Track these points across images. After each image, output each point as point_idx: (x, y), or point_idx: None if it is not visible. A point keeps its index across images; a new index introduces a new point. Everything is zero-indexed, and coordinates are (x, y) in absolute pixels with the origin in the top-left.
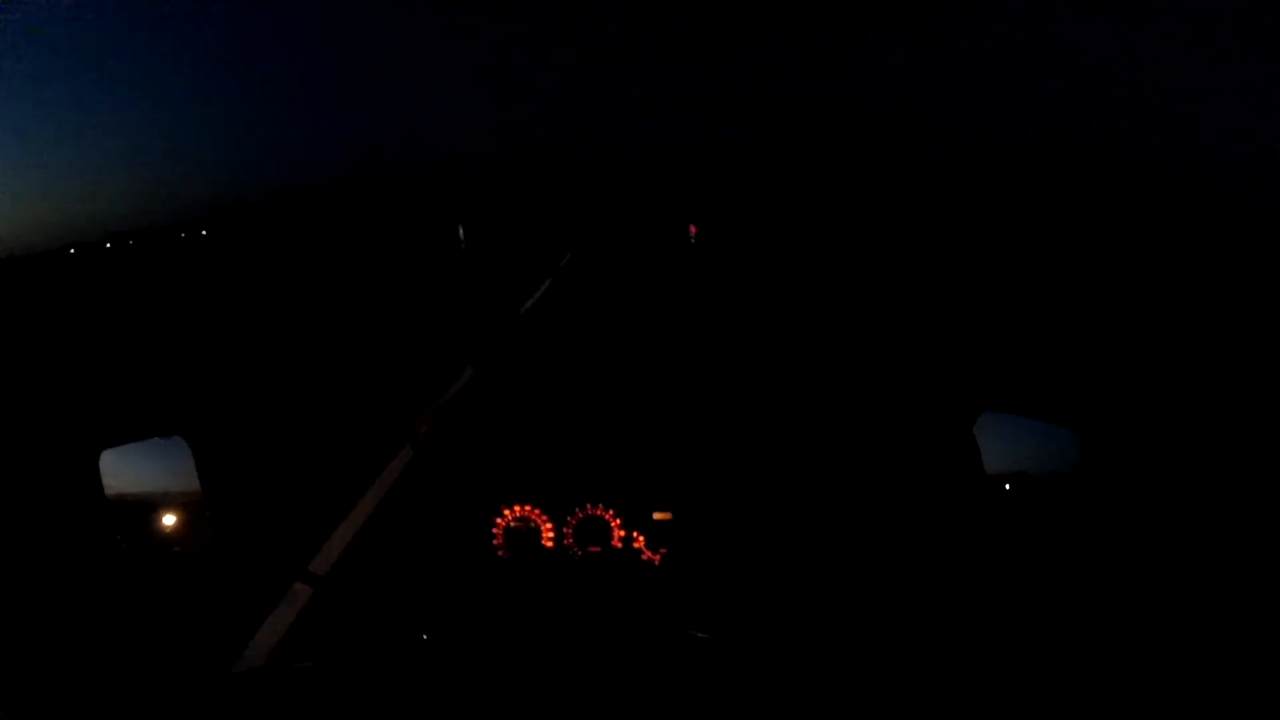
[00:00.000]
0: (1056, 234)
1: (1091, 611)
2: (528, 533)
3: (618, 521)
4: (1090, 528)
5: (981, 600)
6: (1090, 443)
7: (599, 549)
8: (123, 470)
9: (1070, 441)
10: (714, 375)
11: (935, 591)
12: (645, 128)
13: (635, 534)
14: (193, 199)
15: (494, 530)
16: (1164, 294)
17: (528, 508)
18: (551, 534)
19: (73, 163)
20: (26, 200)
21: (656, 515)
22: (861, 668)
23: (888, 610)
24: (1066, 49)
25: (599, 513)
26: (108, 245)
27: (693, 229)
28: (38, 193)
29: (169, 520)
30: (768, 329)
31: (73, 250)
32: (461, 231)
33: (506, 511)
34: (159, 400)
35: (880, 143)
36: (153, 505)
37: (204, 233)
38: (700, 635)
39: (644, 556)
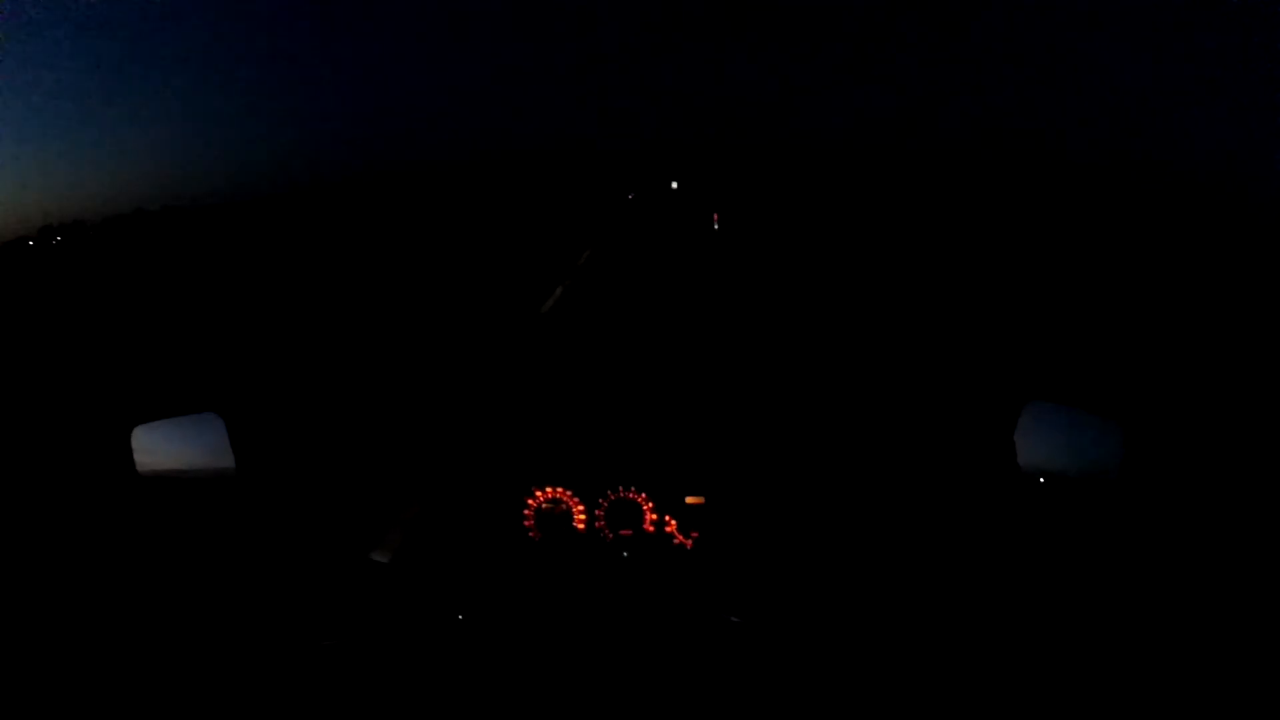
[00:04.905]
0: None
1: (1115, 621)
2: (559, 515)
3: (650, 505)
4: (1125, 534)
5: (1004, 595)
6: (1134, 441)
7: (630, 532)
8: (156, 447)
9: (1112, 442)
10: (748, 360)
11: (960, 583)
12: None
13: (667, 517)
14: (224, 182)
15: (526, 512)
16: (1223, 292)
17: (559, 490)
18: (583, 516)
19: (92, 144)
20: (57, 179)
21: (689, 499)
22: (885, 654)
23: (912, 598)
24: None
25: (631, 495)
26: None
27: (716, 217)
28: (63, 172)
29: None
30: (804, 315)
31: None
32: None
33: (538, 493)
34: (193, 377)
35: (917, 135)
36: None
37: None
38: (733, 619)
39: (675, 540)
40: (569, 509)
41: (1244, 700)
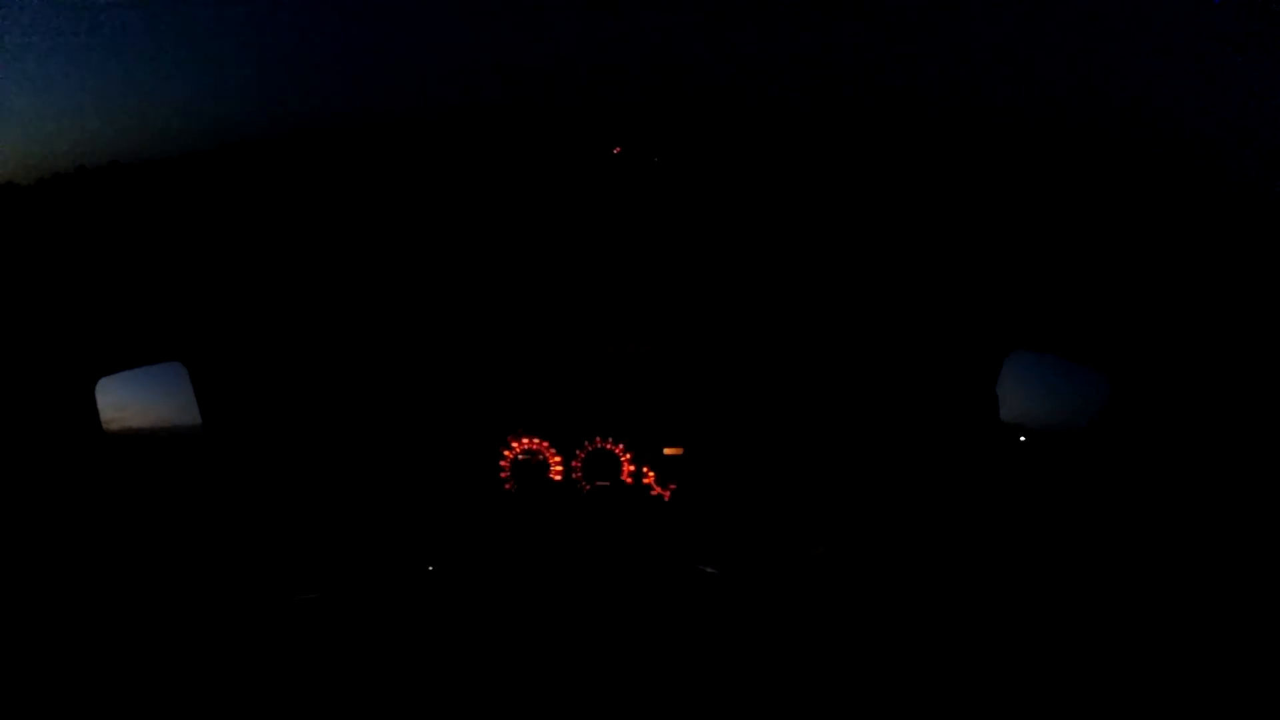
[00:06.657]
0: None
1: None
2: (536, 466)
3: (628, 456)
4: (1104, 492)
5: (983, 549)
6: (1120, 394)
7: (608, 483)
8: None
9: (1097, 394)
10: (726, 308)
11: (938, 538)
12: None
13: (645, 469)
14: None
15: (501, 463)
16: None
17: (536, 440)
18: (560, 467)
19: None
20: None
21: (667, 450)
22: (861, 607)
23: (890, 551)
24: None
25: (609, 446)
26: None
27: (617, 150)
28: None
29: None
30: (780, 264)
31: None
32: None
33: (515, 444)
34: (157, 325)
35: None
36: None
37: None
38: (708, 570)
39: (653, 492)
40: (546, 460)
41: (1229, 663)
